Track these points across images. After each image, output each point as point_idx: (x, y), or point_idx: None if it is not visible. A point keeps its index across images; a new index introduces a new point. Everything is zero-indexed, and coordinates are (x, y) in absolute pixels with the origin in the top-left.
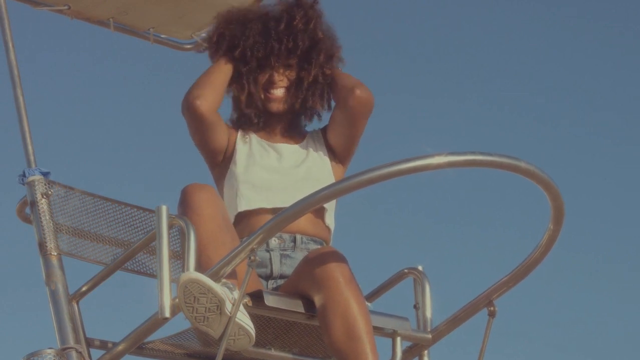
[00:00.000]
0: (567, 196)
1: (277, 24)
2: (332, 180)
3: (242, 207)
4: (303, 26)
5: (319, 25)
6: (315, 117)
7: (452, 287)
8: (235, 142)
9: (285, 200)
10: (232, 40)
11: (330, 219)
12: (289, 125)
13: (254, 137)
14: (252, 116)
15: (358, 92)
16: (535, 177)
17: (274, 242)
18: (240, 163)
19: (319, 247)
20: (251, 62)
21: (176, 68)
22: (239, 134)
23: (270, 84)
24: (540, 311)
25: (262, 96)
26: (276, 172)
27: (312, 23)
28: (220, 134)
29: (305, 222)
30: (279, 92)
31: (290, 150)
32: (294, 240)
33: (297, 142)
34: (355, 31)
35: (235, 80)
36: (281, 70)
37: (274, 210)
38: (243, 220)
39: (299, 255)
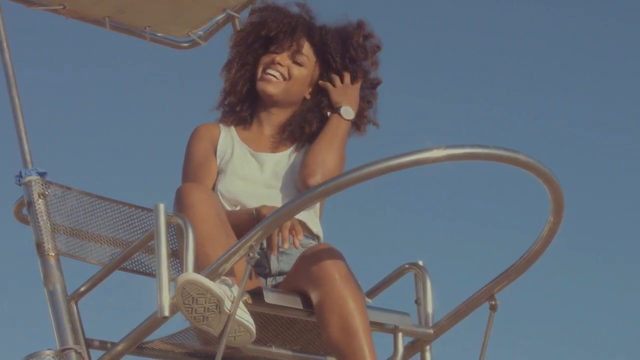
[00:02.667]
0: (567, 192)
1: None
2: None
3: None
4: (354, 48)
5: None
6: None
7: (453, 281)
8: (217, 144)
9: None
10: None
11: (316, 228)
12: (280, 128)
13: (236, 141)
14: (236, 104)
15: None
16: (535, 169)
17: (265, 242)
18: (221, 169)
19: (311, 242)
20: (276, 36)
21: (174, 67)
22: (222, 132)
23: (270, 64)
24: (541, 305)
25: (259, 74)
26: (254, 184)
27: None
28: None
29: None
30: (275, 73)
31: (273, 160)
32: None
33: (282, 149)
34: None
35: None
36: (286, 56)
37: None
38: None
39: (294, 251)
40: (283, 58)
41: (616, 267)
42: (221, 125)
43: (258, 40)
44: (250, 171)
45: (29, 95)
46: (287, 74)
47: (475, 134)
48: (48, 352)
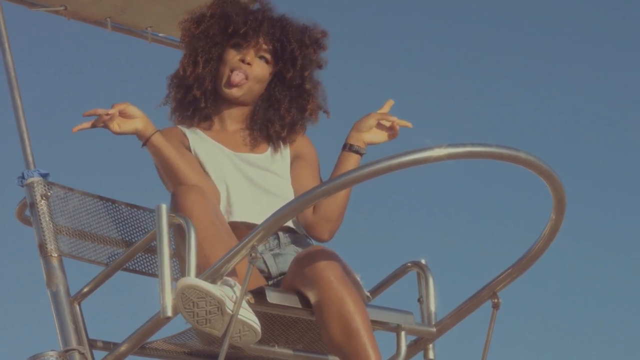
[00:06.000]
0: (570, 186)
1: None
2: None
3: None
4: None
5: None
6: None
7: (456, 279)
8: (189, 146)
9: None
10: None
11: (302, 230)
12: (243, 124)
13: (209, 142)
14: (200, 101)
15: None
16: (535, 167)
17: (259, 246)
18: (208, 170)
19: (301, 237)
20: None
21: (174, 66)
22: (188, 134)
23: (239, 64)
24: (544, 301)
25: (225, 75)
26: (249, 184)
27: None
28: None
29: None
30: (243, 74)
31: (256, 160)
32: (278, 238)
33: (260, 150)
34: (355, 30)
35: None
36: (253, 54)
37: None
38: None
39: (289, 250)
40: (251, 56)
41: (620, 261)
42: (182, 127)
43: (221, 35)
44: (239, 175)
45: (31, 96)
46: (255, 73)
47: (474, 131)
48: (51, 353)
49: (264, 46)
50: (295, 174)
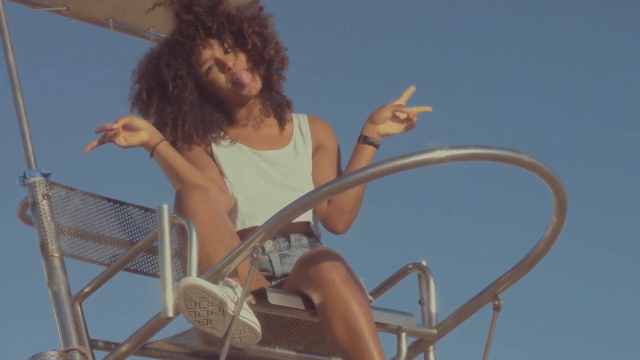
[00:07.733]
0: (572, 188)
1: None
2: None
3: (239, 226)
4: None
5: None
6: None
7: (457, 281)
8: (211, 152)
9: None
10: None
11: (316, 230)
12: (259, 116)
13: (231, 142)
14: (212, 133)
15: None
16: (537, 169)
17: (269, 244)
18: (229, 174)
19: (312, 239)
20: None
21: None
22: (211, 142)
23: (232, 73)
24: (545, 303)
25: (228, 86)
26: (271, 184)
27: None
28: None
29: (296, 220)
30: (243, 72)
31: (278, 157)
32: (288, 240)
33: (282, 144)
34: (355, 30)
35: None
36: (227, 54)
37: None
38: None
39: (297, 252)
40: (226, 60)
41: (620, 261)
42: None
43: (184, 87)
44: (261, 173)
45: (33, 96)
46: (244, 65)
47: (474, 131)
48: (52, 352)
49: (217, 45)
50: (315, 166)
